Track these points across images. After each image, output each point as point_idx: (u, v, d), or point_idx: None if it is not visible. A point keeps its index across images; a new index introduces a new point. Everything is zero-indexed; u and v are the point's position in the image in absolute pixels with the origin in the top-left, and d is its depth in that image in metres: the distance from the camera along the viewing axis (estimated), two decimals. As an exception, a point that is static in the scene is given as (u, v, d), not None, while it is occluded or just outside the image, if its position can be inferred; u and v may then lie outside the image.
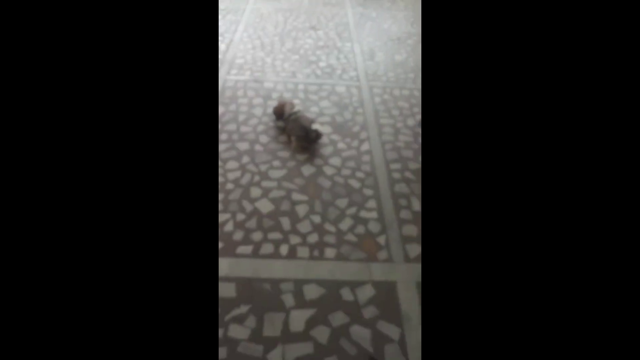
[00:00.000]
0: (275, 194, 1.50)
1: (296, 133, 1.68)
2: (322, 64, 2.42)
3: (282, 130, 1.81)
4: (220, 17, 2.94)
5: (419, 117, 2.01)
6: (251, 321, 1.09)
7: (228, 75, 2.24)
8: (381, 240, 1.35)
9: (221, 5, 3.12)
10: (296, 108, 1.76)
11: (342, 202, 1.48)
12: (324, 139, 1.80)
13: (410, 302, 1.17)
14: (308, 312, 1.12)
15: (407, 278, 1.24)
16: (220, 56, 2.42)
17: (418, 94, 2.21)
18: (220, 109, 1.95)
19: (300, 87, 2.18)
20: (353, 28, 2.92)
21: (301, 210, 1.44)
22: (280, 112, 1.80)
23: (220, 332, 1.06)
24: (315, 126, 1.66)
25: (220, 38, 2.64)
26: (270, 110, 1.95)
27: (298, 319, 1.11)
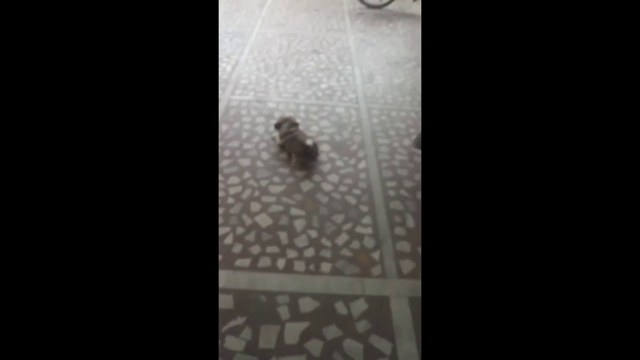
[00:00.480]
0: (274, 208, 1.55)
1: (295, 150, 1.75)
2: (323, 86, 2.52)
3: (281, 148, 1.88)
4: (227, 39, 3.09)
5: (414, 137, 2.08)
6: (247, 333, 1.12)
7: (232, 95, 2.34)
8: (375, 255, 1.39)
9: (229, 29, 3.29)
10: (292, 128, 1.84)
11: (339, 218, 1.53)
12: (323, 157, 1.86)
13: (403, 318, 1.20)
14: (302, 325, 1.15)
15: (399, 293, 1.27)
16: (225, 77, 2.54)
17: (414, 115, 2.29)
18: (224, 127, 2.03)
19: (302, 107, 2.27)
20: (354, 52, 3.05)
21: (299, 225, 1.48)
22: (279, 124, 1.90)
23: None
24: (309, 142, 1.74)
25: (226, 59, 2.77)
26: (272, 129, 2.04)
27: (293, 332, 1.13)
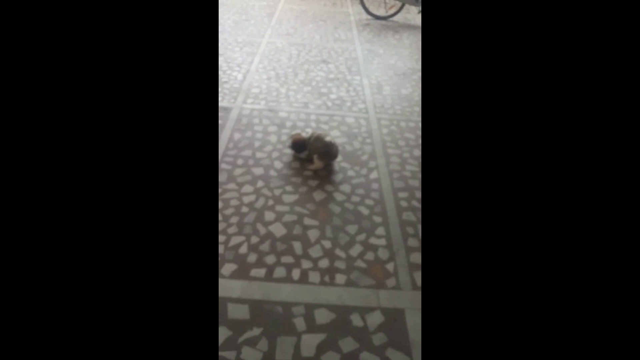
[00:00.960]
0: (288, 218, 1.55)
1: (319, 151, 1.77)
2: (332, 96, 2.55)
3: (304, 161, 1.88)
4: (238, 48, 3.13)
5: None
6: (263, 344, 1.11)
7: (244, 103, 2.36)
8: (390, 267, 1.39)
9: (239, 38, 3.33)
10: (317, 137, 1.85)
11: (352, 228, 1.53)
12: (335, 166, 1.87)
13: (419, 330, 1.19)
14: (319, 337, 1.15)
15: (414, 306, 1.27)
16: (237, 85, 2.57)
17: (424, 126, 2.31)
18: (237, 135, 2.05)
19: (312, 117, 2.29)
20: (362, 63, 3.09)
21: (312, 235, 1.49)
22: (300, 142, 1.83)
23: (233, 354, 1.08)
24: (328, 138, 1.77)
25: (237, 68, 2.80)
26: (284, 138, 2.05)
27: (309, 344, 1.13)
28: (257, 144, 1.99)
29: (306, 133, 1.88)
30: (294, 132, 1.92)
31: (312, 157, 1.81)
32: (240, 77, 2.68)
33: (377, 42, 3.53)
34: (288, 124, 2.19)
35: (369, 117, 2.35)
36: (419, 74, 2.99)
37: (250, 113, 2.26)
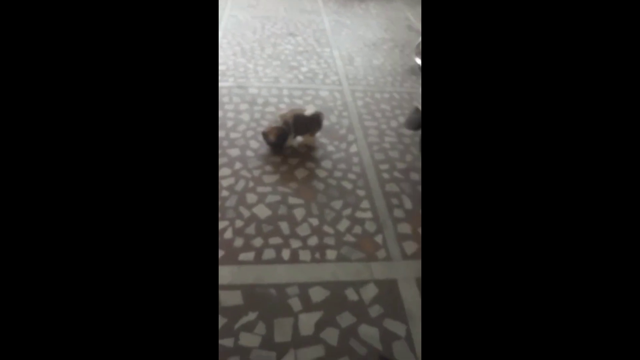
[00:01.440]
0: (271, 198, 1.49)
1: (309, 128, 1.71)
2: (303, 69, 2.44)
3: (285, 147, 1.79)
4: (195, 22, 2.88)
5: (401, 118, 2.09)
6: (261, 328, 1.08)
7: (210, 81, 2.20)
8: (378, 239, 1.39)
9: (195, 11, 3.06)
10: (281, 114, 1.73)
11: (337, 204, 1.51)
12: (315, 142, 1.82)
13: (412, 299, 1.22)
14: (316, 315, 1.13)
15: (406, 275, 1.29)
16: (199, 62, 2.38)
17: (398, 96, 2.29)
18: (206, 116, 1.91)
19: (285, 92, 2.19)
20: (330, 34, 2.98)
21: (298, 213, 1.44)
22: (283, 132, 1.65)
23: (231, 341, 1.04)
24: (308, 112, 1.71)
25: (197, 44, 2.59)
26: (257, 115, 1.94)
27: (307, 323, 1.11)
28: (229, 123, 1.87)
29: (276, 122, 1.68)
30: (268, 126, 1.67)
31: (303, 135, 1.73)
32: (202, 53, 2.48)
33: (344, 13, 3.41)
34: (260, 100, 2.07)
35: (342, 89, 2.28)
36: (389, 44, 2.94)
37: (219, 91, 2.11)
